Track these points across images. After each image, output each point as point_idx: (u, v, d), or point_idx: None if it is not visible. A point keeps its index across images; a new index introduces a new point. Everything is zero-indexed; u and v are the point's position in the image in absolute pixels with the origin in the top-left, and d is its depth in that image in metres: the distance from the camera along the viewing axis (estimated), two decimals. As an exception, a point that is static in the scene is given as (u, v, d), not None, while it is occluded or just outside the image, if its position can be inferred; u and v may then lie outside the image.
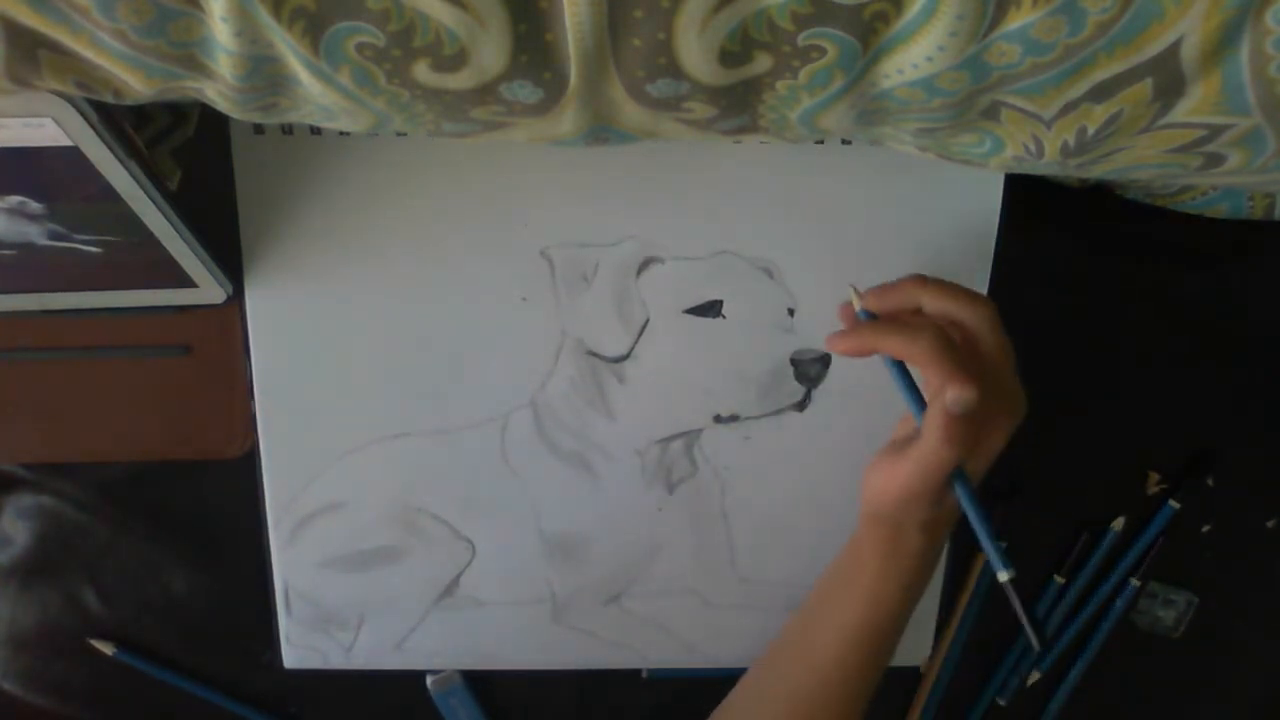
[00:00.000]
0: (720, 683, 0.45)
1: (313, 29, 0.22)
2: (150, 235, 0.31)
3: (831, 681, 0.36)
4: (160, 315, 0.38)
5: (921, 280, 0.33)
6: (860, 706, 0.37)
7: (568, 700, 0.45)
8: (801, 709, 0.37)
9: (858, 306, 0.34)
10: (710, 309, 0.38)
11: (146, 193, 0.29)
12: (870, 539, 0.35)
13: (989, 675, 0.47)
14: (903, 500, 0.33)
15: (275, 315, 0.38)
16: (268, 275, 0.37)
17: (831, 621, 0.36)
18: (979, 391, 0.30)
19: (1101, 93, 0.24)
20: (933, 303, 0.33)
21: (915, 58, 0.23)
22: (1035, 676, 0.47)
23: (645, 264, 0.38)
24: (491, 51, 0.23)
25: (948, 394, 0.30)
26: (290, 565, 0.41)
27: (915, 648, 0.45)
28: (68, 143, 0.27)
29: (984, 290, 0.39)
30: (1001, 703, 0.47)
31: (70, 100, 0.26)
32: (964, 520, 0.43)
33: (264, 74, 0.24)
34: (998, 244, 0.38)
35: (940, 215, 0.38)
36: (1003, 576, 0.32)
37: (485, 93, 0.24)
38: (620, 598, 0.42)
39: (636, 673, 0.44)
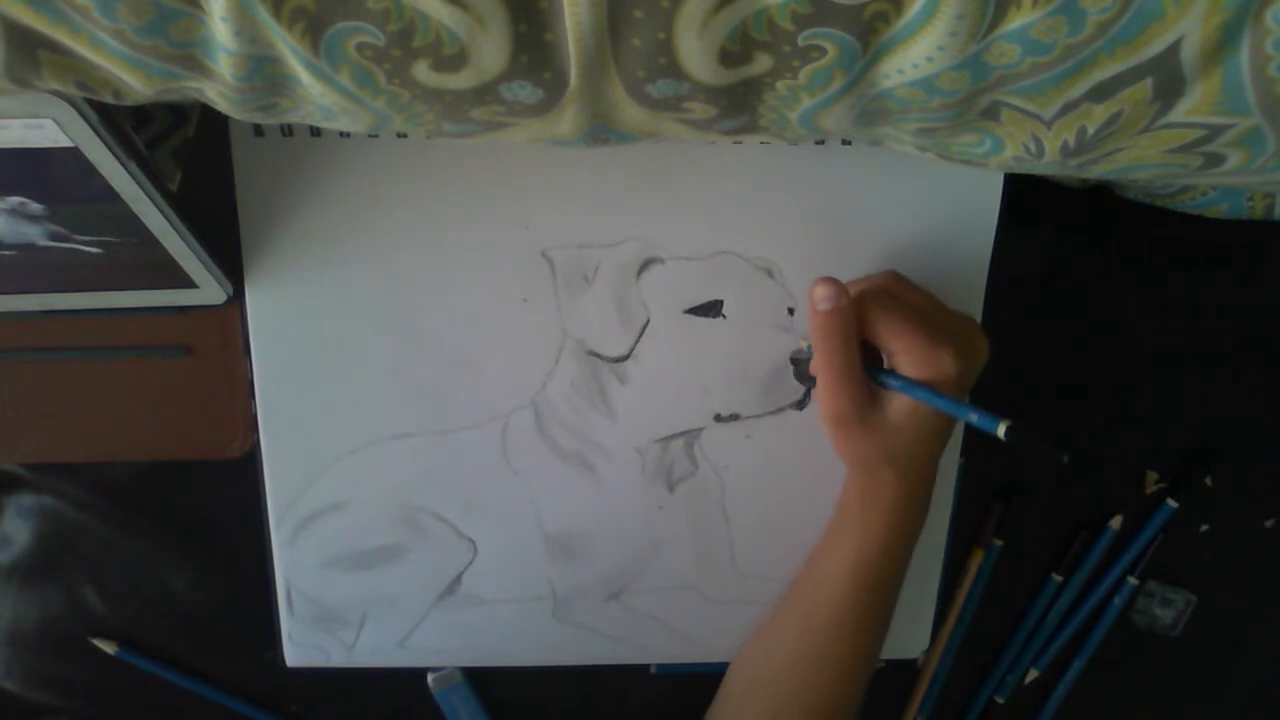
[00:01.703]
0: (722, 678, 0.45)
1: (313, 29, 0.22)
2: (150, 236, 0.31)
3: (829, 621, 0.37)
4: (161, 316, 0.38)
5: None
6: (860, 653, 0.37)
7: (568, 696, 0.45)
8: (803, 650, 0.38)
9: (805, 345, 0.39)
10: (711, 309, 0.38)
11: (146, 193, 0.29)
12: (852, 487, 0.37)
13: (987, 672, 0.47)
14: (832, 421, 0.35)
15: (276, 316, 0.38)
16: (268, 276, 0.37)
17: (828, 563, 0.38)
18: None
19: (1101, 93, 0.24)
20: (849, 297, 0.35)
21: (915, 58, 0.23)
22: (1033, 674, 0.47)
23: (646, 264, 0.38)
24: (491, 51, 0.23)
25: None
26: (292, 565, 0.41)
27: (913, 641, 0.45)
28: (68, 143, 0.27)
29: (982, 290, 0.39)
30: (1000, 700, 0.47)
31: (70, 101, 0.26)
32: (956, 514, 0.43)
33: (264, 74, 0.24)
34: (997, 244, 0.38)
35: (940, 215, 0.38)
36: (1001, 430, 0.30)
37: (485, 93, 0.24)
38: (621, 594, 0.42)
39: (636, 668, 0.44)
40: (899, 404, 0.34)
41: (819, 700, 0.37)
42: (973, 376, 0.35)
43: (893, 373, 0.34)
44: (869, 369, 0.34)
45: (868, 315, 0.34)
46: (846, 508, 0.38)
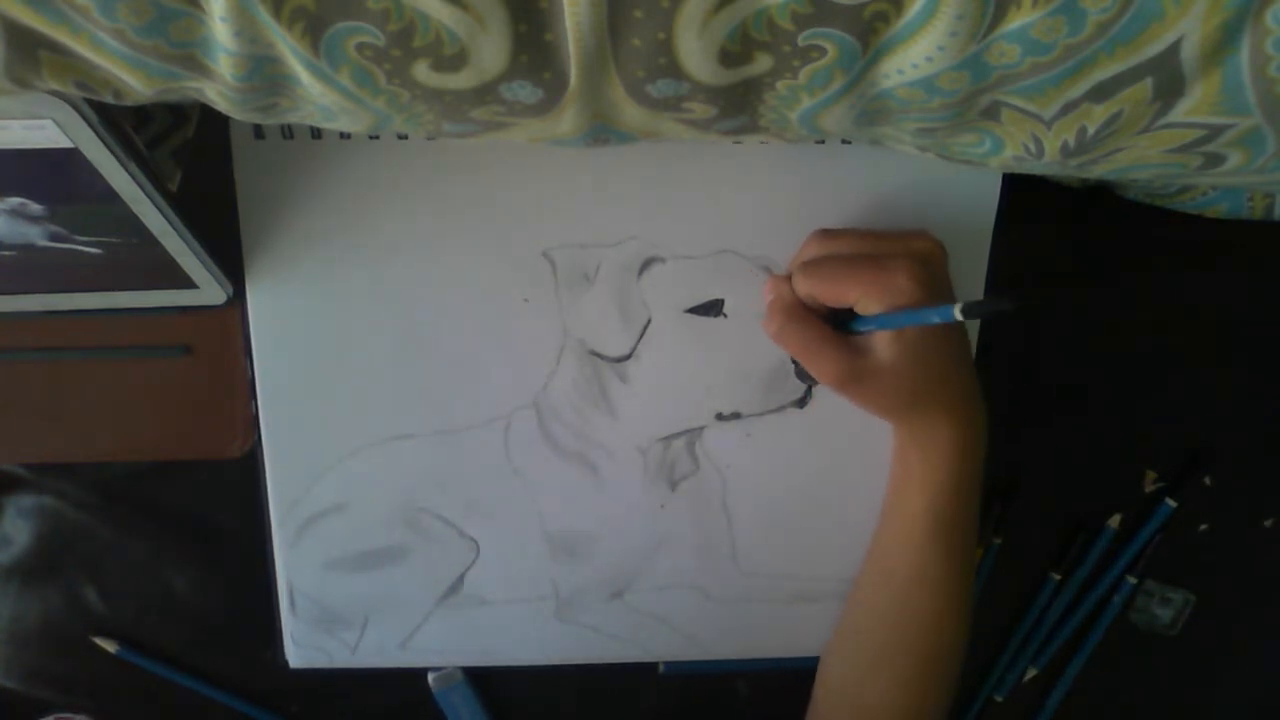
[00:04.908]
0: (728, 678, 0.45)
1: (313, 29, 0.22)
2: (150, 236, 0.31)
3: (911, 569, 0.37)
4: (161, 316, 0.38)
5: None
6: (947, 594, 0.36)
7: (570, 696, 0.45)
8: (890, 601, 0.37)
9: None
10: (712, 308, 0.38)
11: (147, 194, 0.29)
12: (902, 438, 0.37)
13: (986, 671, 0.47)
14: (837, 387, 0.35)
15: (276, 316, 0.38)
16: (269, 276, 0.37)
17: (900, 510, 0.37)
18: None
19: (1101, 93, 0.24)
20: (786, 283, 0.36)
21: (915, 58, 0.23)
22: (1032, 673, 0.47)
23: (647, 263, 0.38)
24: (491, 52, 0.23)
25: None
26: (295, 566, 0.41)
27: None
28: (68, 144, 0.27)
29: (981, 290, 0.39)
30: (998, 699, 0.47)
31: (70, 101, 0.26)
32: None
33: (264, 74, 0.24)
34: (995, 243, 0.38)
35: (939, 215, 0.38)
36: (956, 312, 0.29)
37: (485, 93, 0.24)
38: (624, 594, 0.42)
39: (639, 668, 0.44)
40: (880, 341, 0.34)
41: (916, 648, 0.37)
42: (940, 280, 0.34)
43: (857, 317, 0.34)
44: (844, 326, 0.34)
45: (813, 286, 0.34)
46: (904, 458, 0.37)
